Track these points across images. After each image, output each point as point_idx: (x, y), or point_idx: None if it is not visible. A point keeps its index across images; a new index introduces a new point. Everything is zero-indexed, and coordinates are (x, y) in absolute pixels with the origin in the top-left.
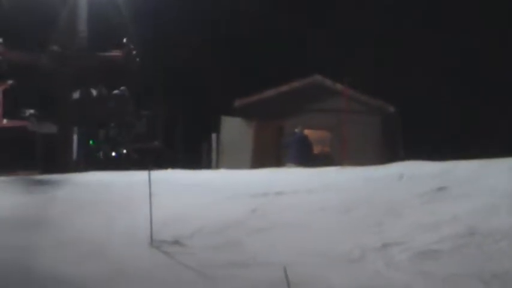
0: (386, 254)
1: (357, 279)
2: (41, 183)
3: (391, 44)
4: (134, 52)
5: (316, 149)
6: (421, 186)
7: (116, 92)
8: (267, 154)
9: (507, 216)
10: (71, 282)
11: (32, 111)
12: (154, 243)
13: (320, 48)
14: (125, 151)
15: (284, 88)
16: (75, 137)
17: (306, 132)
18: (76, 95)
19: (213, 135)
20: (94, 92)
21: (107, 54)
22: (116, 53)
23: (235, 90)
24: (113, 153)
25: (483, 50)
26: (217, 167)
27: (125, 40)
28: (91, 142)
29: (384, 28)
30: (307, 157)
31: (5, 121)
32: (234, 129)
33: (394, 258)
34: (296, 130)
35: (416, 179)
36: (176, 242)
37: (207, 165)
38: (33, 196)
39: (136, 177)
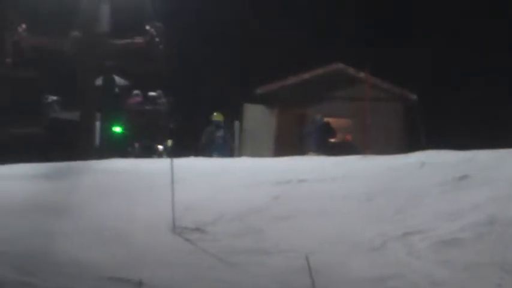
0: (407, 243)
1: (378, 267)
2: (62, 170)
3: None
4: (157, 39)
5: (338, 137)
6: (443, 175)
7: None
8: (289, 142)
9: None
10: (93, 268)
11: (55, 97)
12: (176, 229)
13: (342, 36)
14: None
15: (306, 76)
16: (97, 124)
17: (328, 120)
18: (99, 81)
19: (236, 123)
20: (117, 80)
21: (129, 41)
22: (138, 39)
23: (258, 77)
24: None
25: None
26: (240, 154)
27: (147, 27)
28: (118, 130)
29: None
30: (328, 145)
31: None
32: (256, 117)
33: (415, 247)
34: (317, 118)
35: (437, 167)
36: (198, 229)
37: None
38: (52, 183)
39: (159, 165)
